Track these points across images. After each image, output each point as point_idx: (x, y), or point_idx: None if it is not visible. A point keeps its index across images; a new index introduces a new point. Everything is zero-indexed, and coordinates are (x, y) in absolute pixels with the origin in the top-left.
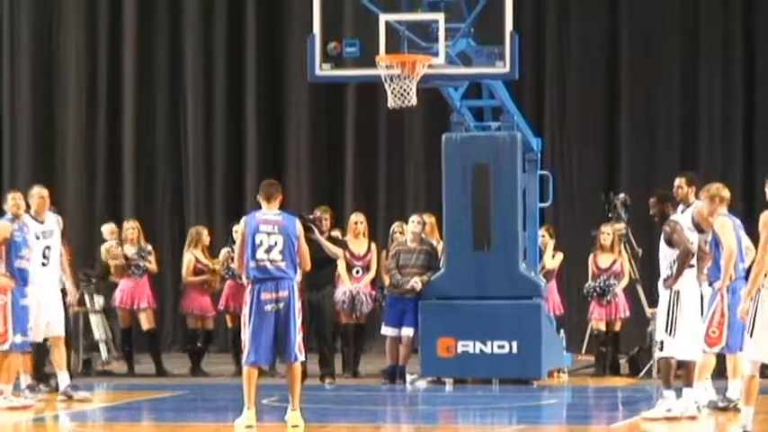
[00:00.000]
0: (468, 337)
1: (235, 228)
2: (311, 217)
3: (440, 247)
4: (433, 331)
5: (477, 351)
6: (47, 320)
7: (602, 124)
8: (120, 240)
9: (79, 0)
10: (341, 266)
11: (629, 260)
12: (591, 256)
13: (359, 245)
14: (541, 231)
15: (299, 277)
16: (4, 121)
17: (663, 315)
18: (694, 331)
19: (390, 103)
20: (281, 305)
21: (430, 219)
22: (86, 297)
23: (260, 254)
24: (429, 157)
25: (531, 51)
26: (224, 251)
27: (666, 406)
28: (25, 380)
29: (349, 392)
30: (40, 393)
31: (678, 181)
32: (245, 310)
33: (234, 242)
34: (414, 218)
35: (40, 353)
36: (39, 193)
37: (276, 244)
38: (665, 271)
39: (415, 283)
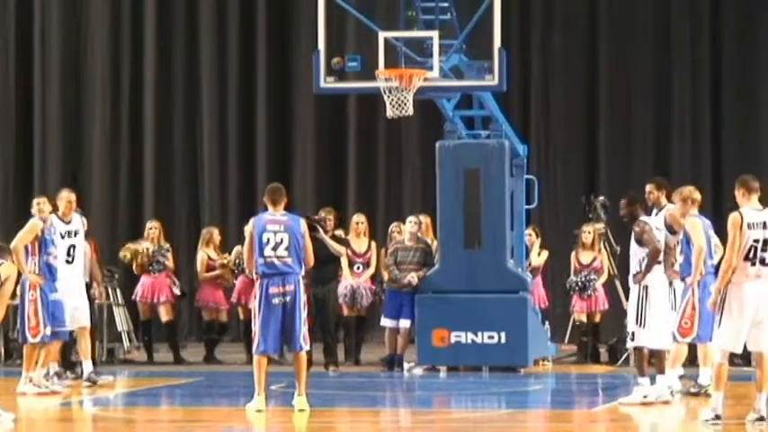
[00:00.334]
0: (460, 328)
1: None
2: (316, 217)
3: (434, 245)
4: (428, 323)
5: (469, 341)
6: (72, 313)
7: (583, 133)
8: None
9: (104, 19)
10: (343, 263)
11: (608, 257)
12: (573, 254)
13: (360, 243)
14: (528, 231)
15: (303, 272)
16: (36, 128)
17: (633, 308)
18: (663, 322)
19: (389, 113)
20: (288, 298)
21: (425, 219)
22: (110, 291)
23: (267, 251)
24: (424, 162)
25: (517, 66)
26: (236, 249)
27: (642, 392)
28: (53, 367)
29: (351, 379)
30: (67, 380)
31: (648, 187)
32: (255, 303)
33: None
34: (410, 218)
35: (66, 342)
36: (67, 196)
37: (282, 242)
38: (634, 267)
39: (412, 278)
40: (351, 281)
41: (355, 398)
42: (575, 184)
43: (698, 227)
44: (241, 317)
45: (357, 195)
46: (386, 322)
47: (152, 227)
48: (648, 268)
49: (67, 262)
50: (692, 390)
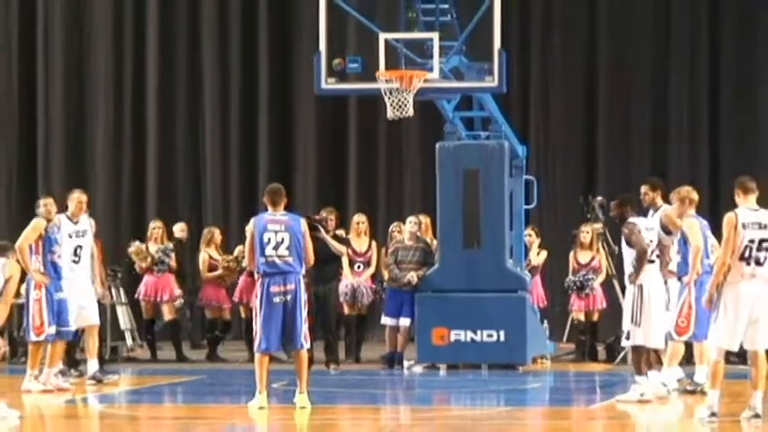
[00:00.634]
0: (459, 327)
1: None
2: (318, 217)
3: (434, 244)
4: (428, 321)
5: (468, 339)
6: (80, 312)
7: (582, 134)
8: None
9: (107, 19)
10: (344, 262)
11: (606, 257)
12: (571, 253)
13: (361, 243)
14: (527, 231)
15: (304, 271)
16: (39, 127)
17: (628, 307)
18: (657, 321)
19: (389, 114)
20: (289, 297)
21: (425, 219)
22: (113, 290)
23: (269, 250)
24: (424, 163)
25: (517, 67)
26: (238, 248)
27: (640, 390)
28: (58, 365)
29: (352, 377)
30: (71, 378)
31: (644, 188)
32: (256, 302)
33: None
34: (411, 218)
35: (70, 341)
36: (78, 197)
37: (283, 241)
38: (628, 267)
39: (412, 277)
40: (351, 280)
41: (356, 395)
42: (573, 185)
43: (695, 227)
44: (243, 315)
45: (358, 195)
46: (386, 321)
47: (155, 227)
48: (639, 268)
49: (74, 262)
50: (689, 387)
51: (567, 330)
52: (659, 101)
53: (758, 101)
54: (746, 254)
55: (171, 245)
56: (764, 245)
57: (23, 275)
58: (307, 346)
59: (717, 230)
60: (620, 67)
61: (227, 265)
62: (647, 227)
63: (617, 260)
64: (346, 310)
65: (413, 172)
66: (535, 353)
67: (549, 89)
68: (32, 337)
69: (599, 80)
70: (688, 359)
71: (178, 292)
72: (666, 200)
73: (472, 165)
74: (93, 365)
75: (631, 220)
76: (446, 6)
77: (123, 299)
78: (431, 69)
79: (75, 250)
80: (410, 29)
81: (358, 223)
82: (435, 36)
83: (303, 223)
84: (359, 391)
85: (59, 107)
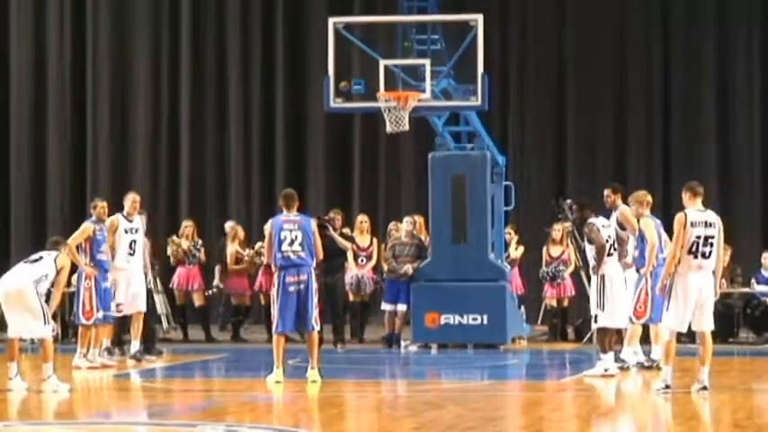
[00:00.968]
0: (449, 312)
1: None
2: (327, 218)
3: (427, 240)
4: (421, 307)
5: (456, 322)
6: (133, 298)
7: (553, 146)
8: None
9: (147, 46)
10: (349, 256)
11: (575, 251)
12: (545, 248)
13: (363, 239)
14: (507, 229)
15: (315, 264)
16: (88, 137)
17: (594, 295)
18: (620, 304)
19: (388, 128)
20: (302, 286)
21: (419, 219)
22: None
23: (284, 246)
24: (418, 170)
25: (498, 89)
26: (258, 245)
27: (604, 366)
28: (105, 344)
29: (356, 355)
30: (115, 356)
31: (606, 191)
32: (274, 291)
33: None
34: (406, 218)
35: (119, 324)
36: (132, 198)
37: (297, 238)
38: (591, 261)
39: (408, 269)
40: (356, 271)
41: (360, 371)
42: (546, 190)
43: (650, 225)
44: (262, 302)
45: (361, 198)
46: (385, 306)
47: (187, 225)
48: (600, 261)
49: (129, 254)
50: (646, 364)
51: (541, 314)
52: (619, 121)
53: (702, 122)
54: (694, 249)
55: (200, 241)
56: (710, 241)
57: (73, 267)
58: (317, 328)
59: (669, 228)
60: (587, 91)
61: (250, 259)
62: (604, 225)
63: (583, 254)
64: (351, 298)
65: (408, 178)
66: (514, 334)
67: (524, 108)
68: (82, 320)
69: (567, 101)
70: (645, 339)
71: (216, 282)
72: (626, 201)
73: (459, 172)
74: (135, 346)
75: (591, 220)
76: (437, 37)
77: (159, 288)
78: (424, 90)
79: (131, 244)
80: (406, 56)
81: (361, 222)
82: (427, 62)
83: (313, 223)
84: (362, 368)
85: (106, 120)
